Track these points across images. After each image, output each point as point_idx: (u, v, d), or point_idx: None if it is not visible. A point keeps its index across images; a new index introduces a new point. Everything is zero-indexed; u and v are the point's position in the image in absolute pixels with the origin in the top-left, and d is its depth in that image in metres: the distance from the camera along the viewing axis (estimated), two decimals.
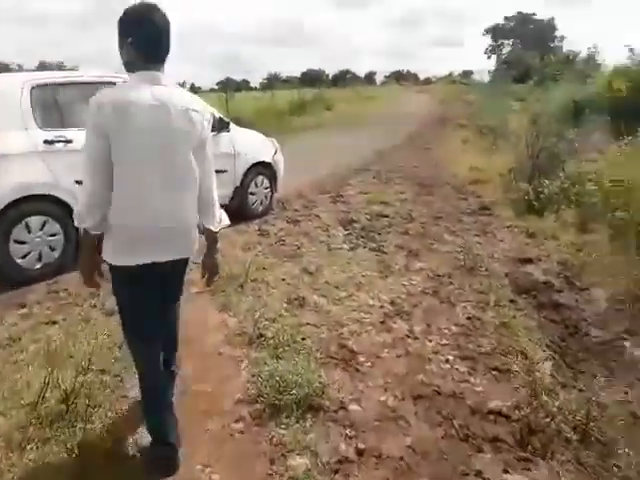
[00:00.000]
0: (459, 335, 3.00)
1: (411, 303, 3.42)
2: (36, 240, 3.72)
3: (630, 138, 7.34)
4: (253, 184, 5.39)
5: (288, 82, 56.25)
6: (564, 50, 34.94)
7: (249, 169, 5.30)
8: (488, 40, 47.35)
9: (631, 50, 9.48)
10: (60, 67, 41.10)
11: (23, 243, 3.66)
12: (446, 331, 3.05)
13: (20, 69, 39.64)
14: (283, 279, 3.77)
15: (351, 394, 2.39)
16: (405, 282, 3.78)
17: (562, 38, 40.88)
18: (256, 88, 56.01)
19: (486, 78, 40.39)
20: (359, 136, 13.27)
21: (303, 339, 2.85)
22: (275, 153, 5.71)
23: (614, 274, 3.83)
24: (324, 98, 25.22)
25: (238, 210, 5.31)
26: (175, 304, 2.09)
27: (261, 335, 2.88)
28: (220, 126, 4.95)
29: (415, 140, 12.70)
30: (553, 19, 42.40)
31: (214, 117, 4.91)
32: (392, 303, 3.41)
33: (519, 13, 45.21)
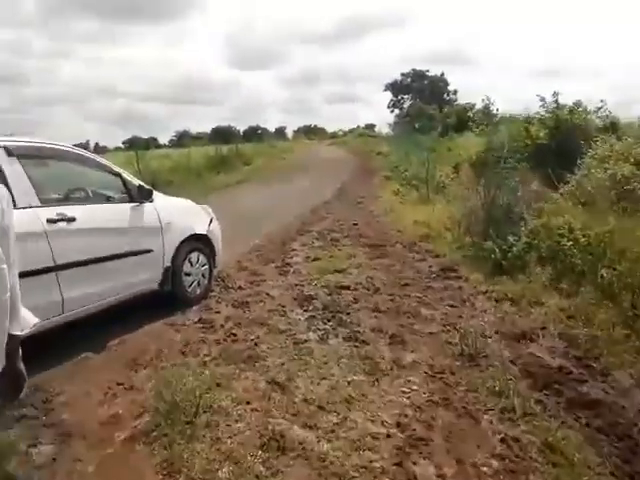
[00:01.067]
0: (504, 474, 2.23)
1: (423, 423, 2.61)
2: None
3: (566, 187, 7.42)
4: (187, 262, 4.39)
5: (199, 138, 55.68)
6: (458, 102, 38.06)
7: (181, 245, 4.31)
8: (388, 95, 50.52)
9: (542, 99, 9.99)
10: None
11: None
12: (485, 469, 2.26)
13: None
14: (248, 402, 2.79)
15: None
16: (404, 388, 2.97)
17: (455, 91, 44.71)
18: (165, 145, 54.61)
19: (387, 130, 42.74)
20: (286, 192, 12.69)
21: None
22: (210, 223, 4.78)
23: (626, 349, 3.35)
24: (241, 153, 24.71)
25: (171, 296, 4.27)
26: None
27: None
28: (141, 195, 3.98)
29: (344, 194, 12.34)
30: (443, 74, 46.39)
31: (131, 184, 3.94)
32: (399, 426, 2.57)
33: (413, 70, 48.94)
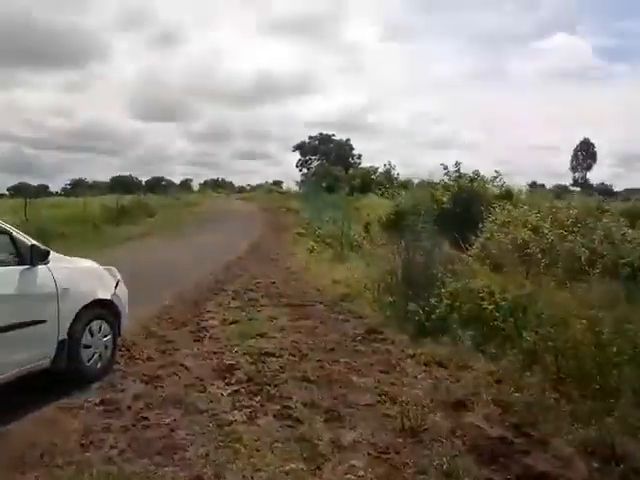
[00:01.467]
0: None
1: None
2: None
3: (472, 249, 7.87)
4: (87, 333, 3.75)
5: (95, 187, 52.64)
6: (362, 165, 40.47)
7: (80, 312, 3.69)
8: (296, 155, 52.33)
9: (445, 168, 10.82)
10: None
11: None
12: None
13: None
14: None
15: None
16: (349, 475, 2.66)
17: (360, 155, 47.59)
18: (57, 193, 50.74)
19: (295, 187, 43.86)
20: (195, 247, 12.09)
21: None
22: (116, 286, 4.21)
23: (559, 415, 3.38)
24: (144, 204, 23.52)
25: (67, 373, 3.59)
26: None
27: None
28: (34, 256, 3.38)
29: (258, 250, 12.07)
30: (349, 140, 49.37)
31: (22, 244, 3.35)
32: None
33: (320, 134, 51.49)
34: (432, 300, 5.35)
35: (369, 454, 2.89)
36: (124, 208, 20.87)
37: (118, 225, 17.92)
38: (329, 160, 46.41)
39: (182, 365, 4.21)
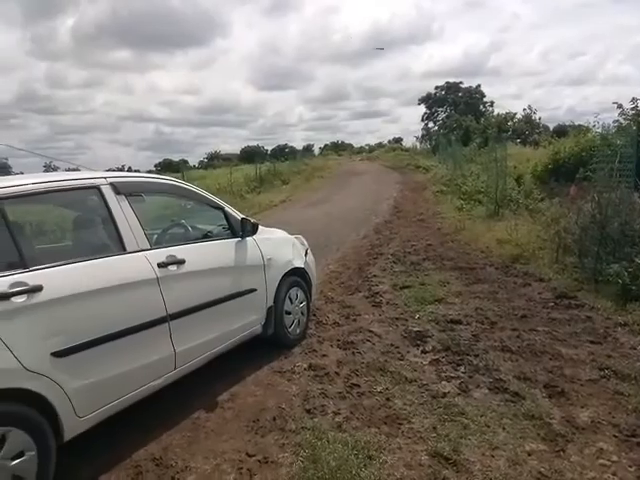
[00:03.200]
0: None
1: None
2: None
3: None
4: (287, 300, 3.95)
5: (228, 159, 56.27)
6: (496, 112, 37.02)
7: (281, 281, 3.87)
8: (418, 110, 49.88)
9: (620, 106, 9.29)
10: None
11: None
12: None
13: None
14: None
15: None
16: (601, 459, 2.40)
17: (492, 103, 43.65)
18: (195, 167, 55.22)
19: (416, 144, 41.98)
20: (338, 211, 12.22)
21: None
22: (306, 254, 4.35)
23: None
24: (278, 172, 24.52)
25: (273, 339, 3.82)
26: None
27: None
28: (245, 229, 3.57)
29: (401, 212, 11.80)
30: (480, 86, 45.44)
31: (233, 218, 3.54)
32: None
33: (447, 82, 48.18)
34: (638, 259, 4.65)
35: (615, 437, 2.59)
36: (261, 177, 22.05)
37: (259, 193, 19.00)
38: (457, 110, 43.37)
39: (370, 331, 4.24)
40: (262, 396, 3.18)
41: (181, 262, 2.95)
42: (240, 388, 3.30)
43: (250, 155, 63.13)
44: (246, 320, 3.50)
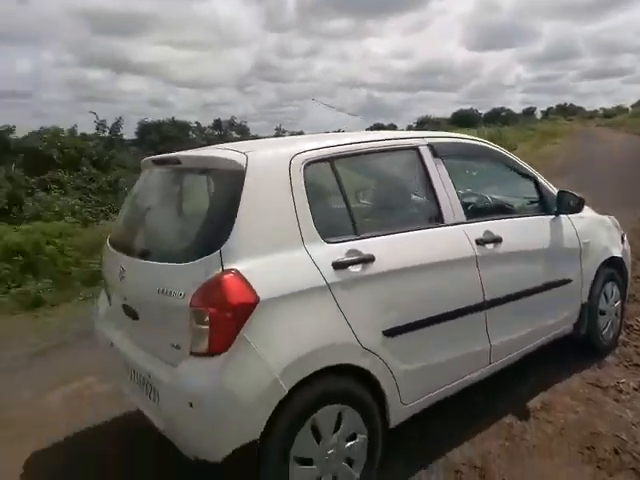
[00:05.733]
0: None
1: None
2: None
3: None
4: (603, 297, 3.17)
5: (438, 124, 54.08)
6: None
7: (598, 272, 3.11)
8: None
9: None
10: (232, 124, 44.74)
11: None
12: None
13: (199, 126, 43.91)
14: None
15: None
16: None
17: None
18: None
19: None
20: (600, 187, 10.16)
21: None
22: (622, 241, 3.45)
23: None
24: (504, 137, 22.36)
25: (584, 342, 3.13)
26: None
27: None
28: (562, 204, 2.91)
29: None
30: None
31: (547, 191, 2.91)
32: None
33: None
34: None
35: None
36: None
37: None
38: None
39: None
40: (585, 414, 2.58)
41: (498, 240, 2.50)
42: (551, 397, 2.75)
43: (462, 119, 59.83)
44: (559, 316, 2.90)
